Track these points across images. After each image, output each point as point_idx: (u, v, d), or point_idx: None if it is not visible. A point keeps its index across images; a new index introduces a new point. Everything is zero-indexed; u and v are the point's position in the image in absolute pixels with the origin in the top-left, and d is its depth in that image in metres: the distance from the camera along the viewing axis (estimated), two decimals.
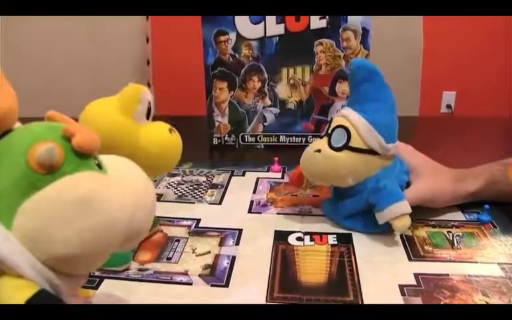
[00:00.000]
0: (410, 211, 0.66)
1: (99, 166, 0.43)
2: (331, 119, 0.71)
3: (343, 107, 1.01)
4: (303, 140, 1.06)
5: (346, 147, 0.67)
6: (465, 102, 2.91)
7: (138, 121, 0.65)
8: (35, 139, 0.39)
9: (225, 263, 0.65)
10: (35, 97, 1.16)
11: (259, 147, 1.08)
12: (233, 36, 1.00)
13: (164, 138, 0.67)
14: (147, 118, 0.66)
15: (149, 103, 0.66)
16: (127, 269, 0.63)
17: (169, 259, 0.66)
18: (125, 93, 0.64)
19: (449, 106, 3.02)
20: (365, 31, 0.97)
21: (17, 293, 0.37)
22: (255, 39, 1.00)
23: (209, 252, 0.67)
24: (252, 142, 1.08)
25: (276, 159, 0.95)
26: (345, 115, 0.69)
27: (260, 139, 1.07)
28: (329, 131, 0.69)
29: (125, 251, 0.62)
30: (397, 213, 0.65)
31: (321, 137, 0.71)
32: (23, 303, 0.36)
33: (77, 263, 0.40)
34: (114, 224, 0.41)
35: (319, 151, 0.68)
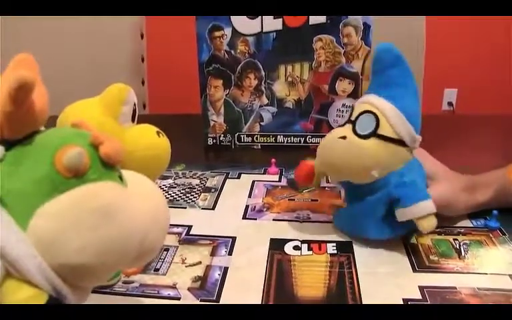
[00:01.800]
0: (435, 210, 0.60)
1: (121, 178, 0.42)
2: (352, 106, 0.65)
3: (344, 105, 0.97)
4: (302, 140, 1.02)
5: (374, 134, 0.61)
6: (467, 99, 2.88)
7: (123, 124, 0.60)
8: (63, 142, 0.39)
9: (217, 274, 0.61)
10: None
11: (255, 147, 1.04)
12: (228, 31, 0.96)
13: (152, 141, 0.63)
14: (132, 120, 0.62)
15: (134, 104, 0.62)
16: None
17: (156, 270, 0.62)
18: (108, 94, 0.60)
19: (450, 103, 2.99)
20: (366, 27, 0.93)
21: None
22: (251, 35, 0.96)
23: (200, 262, 0.63)
24: (248, 142, 1.03)
25: (273, 160, 0.91)
26: (371, 101, 0.62)
27: (256, 139, 1.03)
28: (352, 118, 0.63)
29: None
30: (424, 211, 0.60)
31: (342, 125, 0.65)
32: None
33: (88, 273, 0.39)
34: (129, 238, 0.40)
35: (343, 137, 0.62)
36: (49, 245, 0.37)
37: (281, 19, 0.94)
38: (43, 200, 0.37)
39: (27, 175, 0.38)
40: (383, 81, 0.63)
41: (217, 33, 0.96)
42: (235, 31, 0.96)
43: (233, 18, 0.95)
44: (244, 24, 0.95)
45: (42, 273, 0.37)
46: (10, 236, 0.36)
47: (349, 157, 0.62)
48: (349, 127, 0.63)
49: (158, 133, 0.63)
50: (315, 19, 0.93)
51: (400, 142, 0.61)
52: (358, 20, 0.93)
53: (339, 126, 0.66)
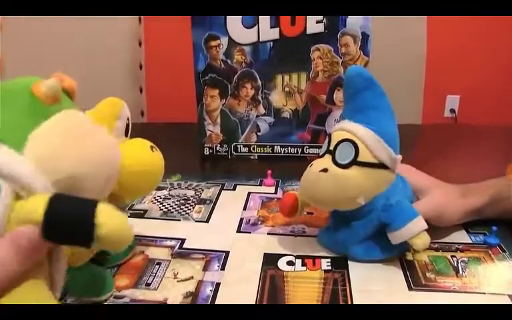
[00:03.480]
0: (426, 226, 0.60)
1: None
2: (329, 134, 0.65)
3: (336, 120, 0.96)
4: (299, 151, 1.01)
5: (354, 162, 0.60)
6: (469, 106, 2.87)
7: (117, 138, 0.59)
8: (33, 80, 0.44)
9: (208, 290, 0.59)
10: None
11: (252, 157, 1.02)
12: (224, 41, 0.95)
13: (146, 158, 0.62)
14: (126, 135, 0.61)
15: (128, 119, 0.61)
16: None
17: (148, 284, 0.61)
18: (101, 109, 0.59)
19: (452, 110, 2.97)
20: (365, 36, 0.92)
21: (37, 200, 0.39)
22: (247, 44, 0.95)
23: (192, 277, 0.62)
24: (245, 152, 1.02)
25: (269, 172, 0.89)
26: (347, 129, 0.62)
27: (253, 149, 1.02)
28: (331, 148, 0.62)
29: (107, 278, 0.60)
30: (416, 231, 0.60)
31: (320, 156, 0.64)
32: (46, 200, 0.39)
33: (81, 189, 0.43)
34: (106, 157, 0.48)
35: (325, 170, 0.61)
36: (47, 162, 0.41)
37: (277, 28, 0.93)
38: (31, 127, 0.42)
39: (12, 109, 0.43)
40: (357, 105, 0.62)
41: (213, 43, 0.95)
42: (231, 41, 0.95)
43: (229, 27, 0.94)
44: (240, 33, 0.94)
45: (45, 188, 0.41)
46: (11, 158, 0.40)
47: (332, 190, 0.61)
48: (328, 157, 0.62)
49: (151, 147, 0.62)
50: (312, 28, 0.93)
51: (381, 165, 0.61)
52: (356, 29, 0.92)
53: (318, 156, 0.65)
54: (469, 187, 0.72)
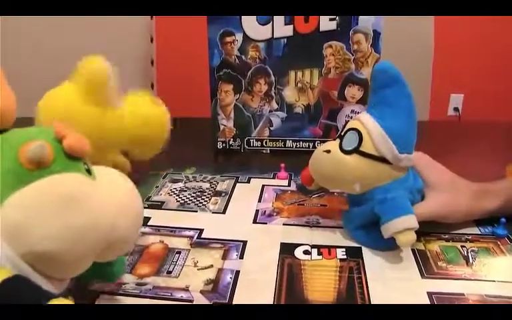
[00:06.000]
0: (417, 226, 0.63)
1: (88, 171, 0.45)
2: (347, 121, 0.69)
3: (353, 111, 0.98)
4: (310, 145, 1.03)
5: (356, 150, 0.64)
6: (473, 105, 2.88)
7: (115, 101, 0.61)
8: (27, 138, 0.41)
9: (228, 277, 0.62)
10: (35, 97, 1.13)
11: (264, 151, 1.05)
12: (239, 37, 0.97)
13: (147, 109, 0.64)
14: None
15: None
16: (125, 283, 0.60)
17: (169, 272, 0.63)
18: (89, 79, 0.61)
19: (456, 109, 2.99)
20: (376, 34, 0.94)
21: None
22: (262, 41, 0.97)
23: (212, 266, 0.64)
24: (257, 147, 1.04)
25: (282, 165, 0.92)
26: (360, 119, 0.66)
27: (266, 143, 1.04)
28: (342, 133, 0.67)
29: (117, 263, 0.58)
30: (402, 227, 0.62)
31: (335, 139, 0.68)
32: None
33: (56, 263, 0.41)
34: (96, 226, 0.42)
35: (328, 151, 0.65)
36: (14, 234, 0.39)
37: (291, 26, 0.95)
38: (8, 193, 0.39)
39: (0, 168, 0.40)
40: (377, 100, 0.66)
41: (228, 39, 0.97)
42: (246, 37, 0.97)
43: (244, 24, 0.96)
44: (255, 30, 0.96)
45: (10, 260, 0.38)
46: None
47: (331, 170, 0.66)
48: (337, 141, 0.66)
49: (152, 101, 0.65)
50: (325, 26, 0.95)
51: (382, 159, 0.64)
52: (368, 27, 0.94)
53: (333, 139, 0.69)
54: (483, 188, 0.72)
